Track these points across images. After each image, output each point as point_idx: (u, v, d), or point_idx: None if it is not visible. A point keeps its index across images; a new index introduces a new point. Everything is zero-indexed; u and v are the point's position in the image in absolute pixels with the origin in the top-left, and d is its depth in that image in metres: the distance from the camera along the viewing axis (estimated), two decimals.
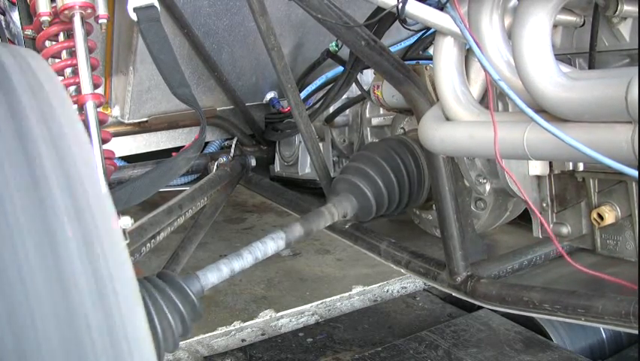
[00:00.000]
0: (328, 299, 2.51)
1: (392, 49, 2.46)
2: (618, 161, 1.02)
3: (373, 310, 2.42)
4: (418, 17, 1.40)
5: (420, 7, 1.39)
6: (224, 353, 2.14)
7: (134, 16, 1.65)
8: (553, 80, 1.13)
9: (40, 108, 0.80)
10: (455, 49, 1.42)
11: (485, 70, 1.14)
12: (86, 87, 1.52)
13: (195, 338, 2.22)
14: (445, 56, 1.42)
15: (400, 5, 1.32)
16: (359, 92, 2.24)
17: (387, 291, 2.59)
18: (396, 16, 1.38)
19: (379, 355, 1.98)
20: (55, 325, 0.67)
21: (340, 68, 2.29)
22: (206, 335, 2.25)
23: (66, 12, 1.53)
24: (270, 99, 2.64)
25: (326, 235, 2.10)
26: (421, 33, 2.30)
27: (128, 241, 1.52)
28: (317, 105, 2.23)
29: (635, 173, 0.96)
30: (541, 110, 1.18)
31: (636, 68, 1.30)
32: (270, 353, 2.11)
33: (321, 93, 2.36)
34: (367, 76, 2.25)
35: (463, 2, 1.30)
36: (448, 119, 1.41)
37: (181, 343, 2.15)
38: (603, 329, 2.08)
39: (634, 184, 1.43)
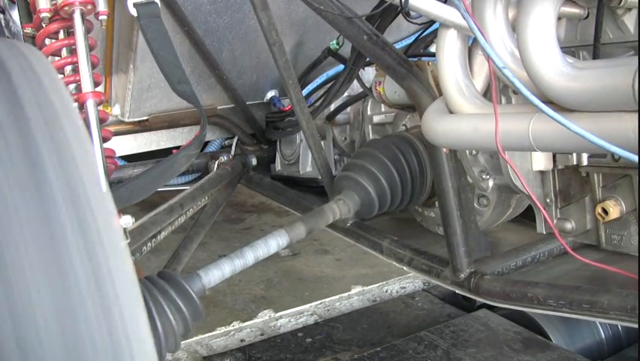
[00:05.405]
0: (327, 299, 2.49)
1: None
2: (625, 150, 1.01)
3: (372, 310, 2.40)
4: (421, 10, 1.40)
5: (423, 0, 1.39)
6: (223, 353, 2.11)
7: (134, 12, 1.64)
8: (558, 69, 1.12)
9: (40, 105, 0.79)
10: (458, 42, 1.41)
11: (490, 58, 1.13)
12: (87, 85, 1.50)
13: (194, 338, 2.20)
14: (449, 48, 1.41)
15: None
16: (360, 90, 2.23)
17: (387, 291, 2.57)
18: (400, 8, 1.38)
19: (378, 355, 1.96)
20: (56, 324, 0.67)
21: (341, 67, 2.28)
22: (205, 335, 2.23)
23: (66, 8, 1.51)
24: (271, 98, 2.63)
25: (325, 234, 2.08)
26: (420, 32, 2.30)
27: (129, 240, 1.51)
28: (318, 103, 2.22)
29: (635, 158, 0.95)
30: (546, 101, 1.17)
31: None
32: (269, 353, 2.09)
33: (321, 92, 2.35)
34: (368, 73, 2.24)
35: None
36: (451, 112, 1.40)
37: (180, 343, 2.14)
38: (602, 328, 2.07)
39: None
